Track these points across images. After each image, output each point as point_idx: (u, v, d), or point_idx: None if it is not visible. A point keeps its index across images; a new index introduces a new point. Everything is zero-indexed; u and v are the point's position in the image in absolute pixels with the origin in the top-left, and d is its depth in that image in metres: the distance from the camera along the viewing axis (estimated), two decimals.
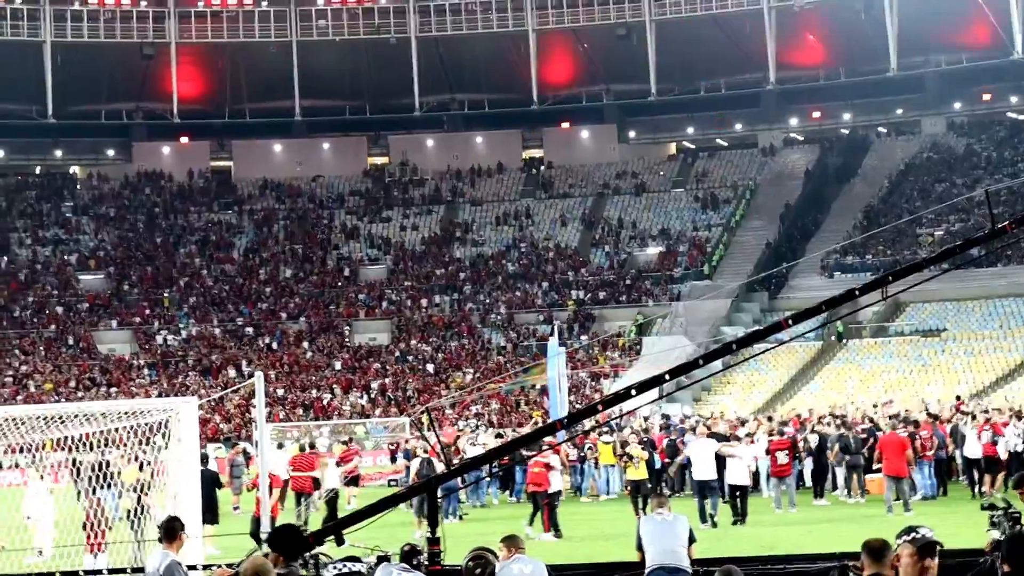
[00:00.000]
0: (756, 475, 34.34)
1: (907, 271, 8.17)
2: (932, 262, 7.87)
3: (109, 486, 24.77)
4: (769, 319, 64.15)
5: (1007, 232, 7.79)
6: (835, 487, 33.70)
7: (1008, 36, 76.92)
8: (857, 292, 7.91)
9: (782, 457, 32.38)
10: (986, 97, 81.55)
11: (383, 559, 13.02)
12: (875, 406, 44.41)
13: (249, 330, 69.83)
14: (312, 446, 34.66)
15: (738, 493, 29.07)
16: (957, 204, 67.35)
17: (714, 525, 27.39)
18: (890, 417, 36.93)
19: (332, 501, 31.59)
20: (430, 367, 65.67)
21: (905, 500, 28.31)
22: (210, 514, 26.85)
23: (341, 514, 30.60)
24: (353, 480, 35.43)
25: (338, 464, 34.05)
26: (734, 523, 28.13)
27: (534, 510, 28.50)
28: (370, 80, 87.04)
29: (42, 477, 29.84)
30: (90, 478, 23.58)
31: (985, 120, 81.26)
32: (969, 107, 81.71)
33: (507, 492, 38.14)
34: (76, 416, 24.43)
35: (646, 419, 45.87)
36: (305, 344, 68.48)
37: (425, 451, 37.21)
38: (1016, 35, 76.79)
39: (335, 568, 12.52)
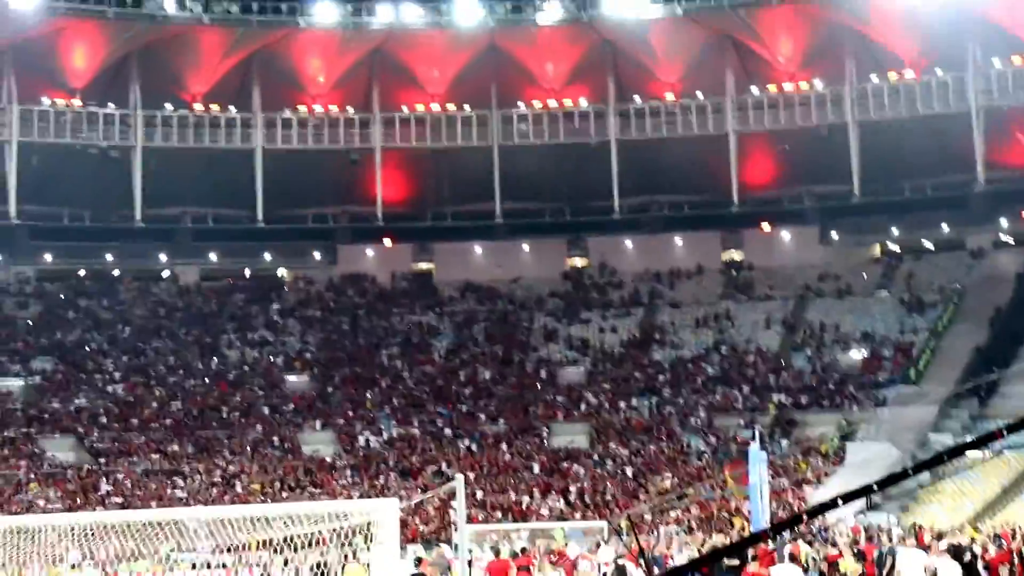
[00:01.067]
0: None
1: None
2: None
3: None
4: (979, 427, 62.21)
5: None
6: None
7: None
8: None
9: (1004, 572, 31.24)
10: None
11: None
12: None
13: (448, 431, 70.28)
14: (522, 551, 34.46)
15: None
16: None
17: None
18: None
19: None
20: (628, 471, 65.12)
21: None
22: None
23: None
24: None
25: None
26: None
27: None
28: (570, 183, 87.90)
29: None
30: None
31: None
32: None
33: None
34: (281, 518, 24.84)
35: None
36: (504, 446, 68.60)
37: (622, 556, 36.87)
38: None
39: None
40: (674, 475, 63.57)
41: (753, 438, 51.79)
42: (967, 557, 33.44)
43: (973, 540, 37.77)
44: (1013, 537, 36.05)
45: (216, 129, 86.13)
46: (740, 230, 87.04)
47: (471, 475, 62.78)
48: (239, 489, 63.74)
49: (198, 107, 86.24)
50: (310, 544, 25.63)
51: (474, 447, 68.70)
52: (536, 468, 66.21)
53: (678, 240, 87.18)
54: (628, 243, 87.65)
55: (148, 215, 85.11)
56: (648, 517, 58.67)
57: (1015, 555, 33.55)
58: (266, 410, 72.68)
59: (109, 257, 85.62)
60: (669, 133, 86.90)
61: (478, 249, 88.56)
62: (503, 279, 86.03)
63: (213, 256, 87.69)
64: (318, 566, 24.31)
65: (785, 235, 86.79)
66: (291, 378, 76.24)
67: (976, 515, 54.77)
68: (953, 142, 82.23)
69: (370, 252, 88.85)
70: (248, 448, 68.78)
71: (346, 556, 25.72)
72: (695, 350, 76.96)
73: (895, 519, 52.24)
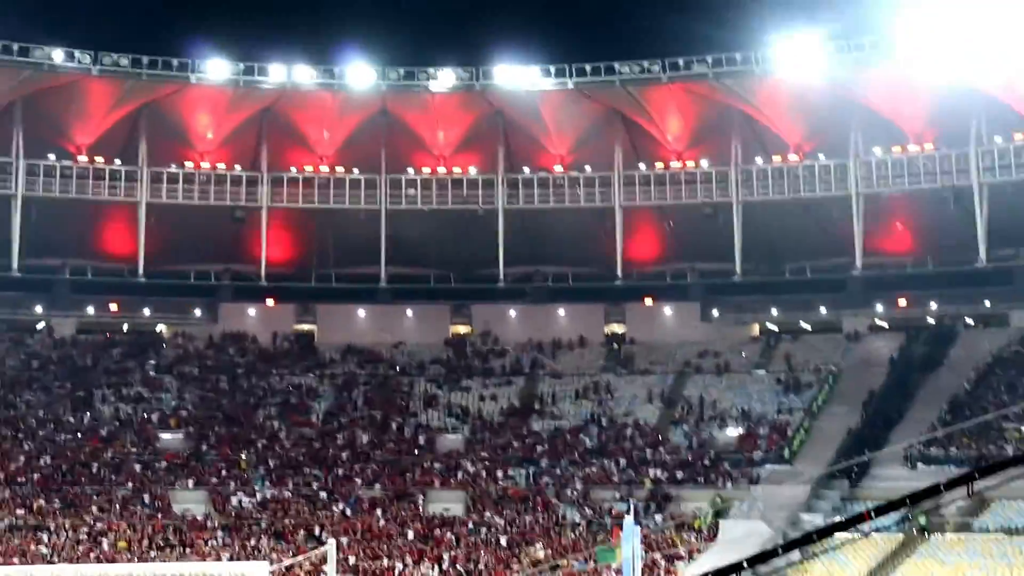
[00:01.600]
0: None
1: (993, 468, 7.93)
2: (1020, 461, 7.60)
3: None
4: (849, 508, 63.03)
5: None
6: None
7: None
8: (942, 488, 7.68)
9: None
10: None
11: None
12: None
13: (323, 495, 69.55)
14: None
15: None
16: None
17: None
18: None
19: None
20: (503, 540, 64.88)
21: None
22: None
23: None
24: None
25: None
26: None
27: None
28: (456, 249, 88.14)
29: None
30: None
31: None
32: None
33: None
34: None
35: None
36: (379, 511, 68.03)
37: None
38: None
39: None
40: (548, 546, 63.44)
41: (628, 511, 52.12)
42: None
43: None
44: None
45: (100, 181, 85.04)
46: (623, 304, 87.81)
47: (344, 540, 62.22)
48: (105, 547, 62.40)
49: (82, 159, 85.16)
50: None
51: (348, 511, 68.02)
52: (411, 535, 65.70)
53: (561, 311, 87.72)
54: (512, 312, 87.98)
55: (25, 265, 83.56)
56: None
57: None
58: (138, 467, 71.35)
59: None
60: (556, 204, 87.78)
61: (361, 312, 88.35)
62: (386, 343, 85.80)
63: (91, 309, 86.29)
64: None
65: (667, 310, 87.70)
66: (165, 435, 74.95)
67: None
68: (833, 226, 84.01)
69: (252, 311, 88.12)
70: (117, 505, 67.42)
71: None
72: (574, 421, 77.15)
73: None
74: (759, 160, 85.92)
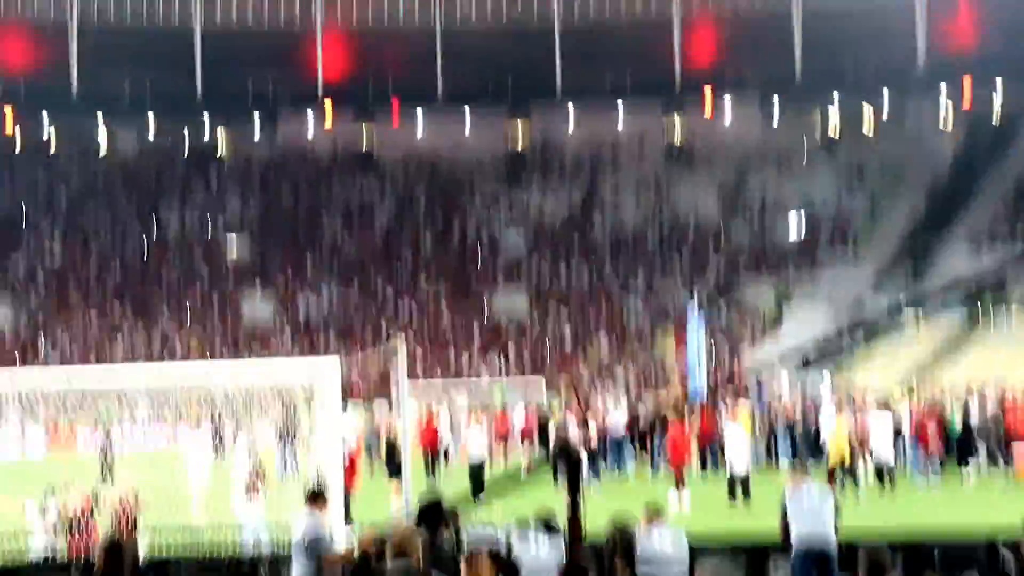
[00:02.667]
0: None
1: None
2: None
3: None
4: (915, 290, 63.10)
5: None
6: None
7: None
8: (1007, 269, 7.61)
9: (932, 428, 32.48)
10: None
11: (541, 524, 12.99)
12: None
13: (390, 294, 70.34)
14: None
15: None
16: None
17: None
18: None
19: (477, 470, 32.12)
20: (568, 333, 65.58)
21: None
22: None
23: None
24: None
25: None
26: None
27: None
28: (514, 57, 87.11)
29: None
30: None
31: None
32: None
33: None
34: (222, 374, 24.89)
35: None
36: (445, 310, 68.84)
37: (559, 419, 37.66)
38: None
39: (474, 531, 12.68)
40: (612, 339, 64.16)
41: (692, 302, 52.47)
42: (895, 416, 34.46)
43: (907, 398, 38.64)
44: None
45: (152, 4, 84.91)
46: (684, 103, 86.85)
47: (411, 336, 63.23)
48: (178, 350, 63.79)
49: None
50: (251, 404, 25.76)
51: (415, 312, 68.86)
52: (477, 332, 66.54)
53: (621, 113, 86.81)
54: (571, 116, 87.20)
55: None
56: (587, 377, 59.35)
57: (941, 415, 34.64)
58: (205, 273, 72.45)
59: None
60: (612, 11, 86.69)
61: (420, 120, 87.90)
62: (445, 148, 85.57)
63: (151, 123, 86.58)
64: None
65: (728, 109, 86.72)
66: (231, 243, 75.81)
67: (907, 377, 55.54)
68: (896, 17, 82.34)
69: (312, 122, 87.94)
70: (187, 312, 68.70)
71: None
72: (636, 219, 77.18)
73: (828, 378, 52.87)
74: None
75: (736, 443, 31.09)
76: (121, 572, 10.37)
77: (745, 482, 29.87)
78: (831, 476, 30.40)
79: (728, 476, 30.61)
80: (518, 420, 46.25)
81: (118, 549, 10.56)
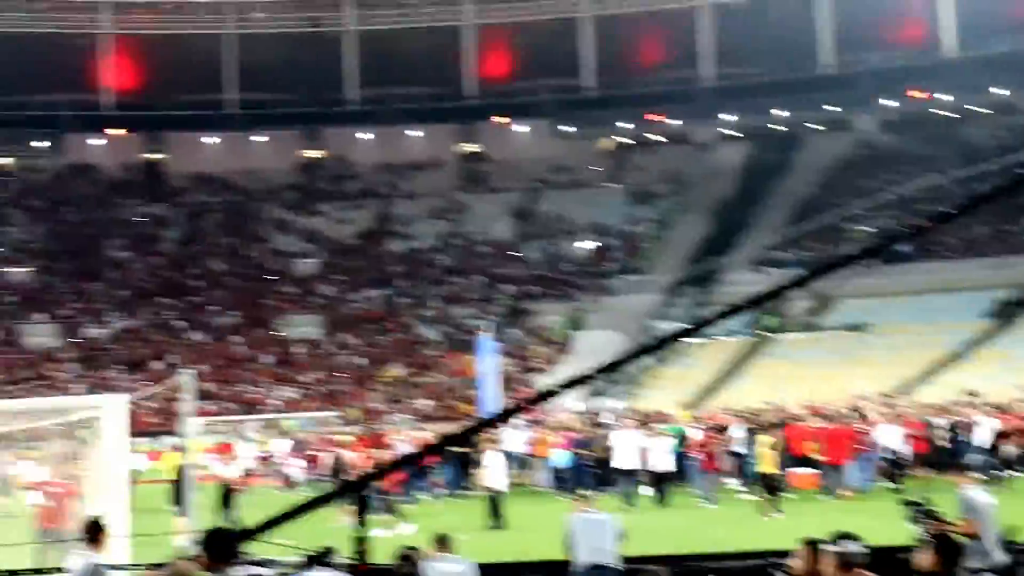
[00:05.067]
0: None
1: (831, 267, 8.12)
2: (852, 260, 7.82)
3: None
4: (700, 314, 64.41)
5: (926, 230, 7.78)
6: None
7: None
8: (783, 288, 7.86)
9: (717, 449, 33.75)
10: (916, 95, 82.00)
11: (314, 560, 12.91)
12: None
13: (178, 324, 69.08)
14: None
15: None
16: (889, 201, 67.94)
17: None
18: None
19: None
20: (360, 361, 65.27)
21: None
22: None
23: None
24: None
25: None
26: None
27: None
28: (306, 73, 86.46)
29: None
30: None
31: (915, 119, 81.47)
32: (899, 105, 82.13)
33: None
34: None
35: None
36: (235, 338, 67.87)
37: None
38: (945, 33, 77.67)
39: (244, 569, 12.34)
40: (405, 365, 64.02)
41: (484, 327, 52.64)
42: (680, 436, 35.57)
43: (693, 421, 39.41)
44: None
45: None
46: (476, 123, 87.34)
47: (203, 367, 62.05)
48: None
49: None
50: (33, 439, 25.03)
51: (204, 339, 67.72)
52: (268, 359, 65.75)
53: (414, 133, 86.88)
54: (364, 136, 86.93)
55: None
56: (379, 407, 59.10)
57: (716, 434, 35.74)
58: None
59: None
60: (406, 24, 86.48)
61: (212, 140, 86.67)
62: (236, 170, 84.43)
63: None
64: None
65: (519, 128, 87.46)
66: (14, 270, 73.55)
67: (694, 398, 56.72)
68: (683, 37, 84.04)
69: (97, 141, 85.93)
70: None
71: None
72: (429, 242, 77.26)
73: (619, 404, 53.64)
74: None
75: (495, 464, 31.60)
76: None
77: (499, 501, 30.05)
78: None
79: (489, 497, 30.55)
80: (309, 451, 45.94)
81: None
